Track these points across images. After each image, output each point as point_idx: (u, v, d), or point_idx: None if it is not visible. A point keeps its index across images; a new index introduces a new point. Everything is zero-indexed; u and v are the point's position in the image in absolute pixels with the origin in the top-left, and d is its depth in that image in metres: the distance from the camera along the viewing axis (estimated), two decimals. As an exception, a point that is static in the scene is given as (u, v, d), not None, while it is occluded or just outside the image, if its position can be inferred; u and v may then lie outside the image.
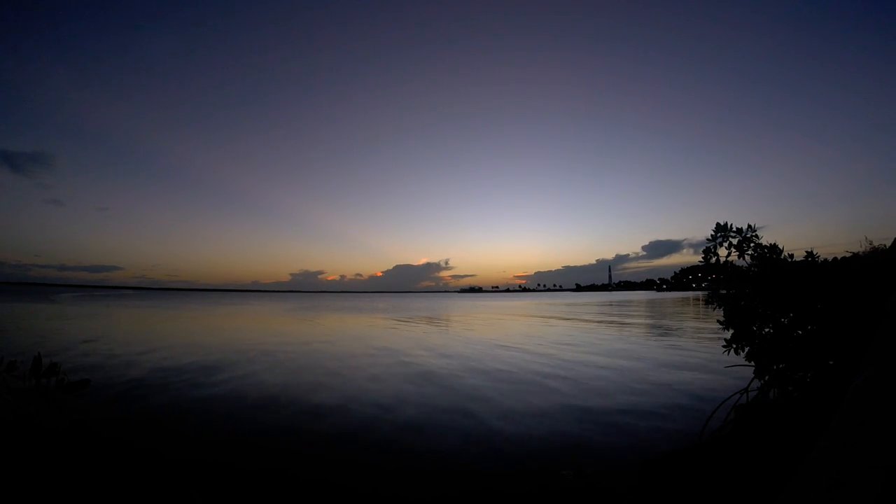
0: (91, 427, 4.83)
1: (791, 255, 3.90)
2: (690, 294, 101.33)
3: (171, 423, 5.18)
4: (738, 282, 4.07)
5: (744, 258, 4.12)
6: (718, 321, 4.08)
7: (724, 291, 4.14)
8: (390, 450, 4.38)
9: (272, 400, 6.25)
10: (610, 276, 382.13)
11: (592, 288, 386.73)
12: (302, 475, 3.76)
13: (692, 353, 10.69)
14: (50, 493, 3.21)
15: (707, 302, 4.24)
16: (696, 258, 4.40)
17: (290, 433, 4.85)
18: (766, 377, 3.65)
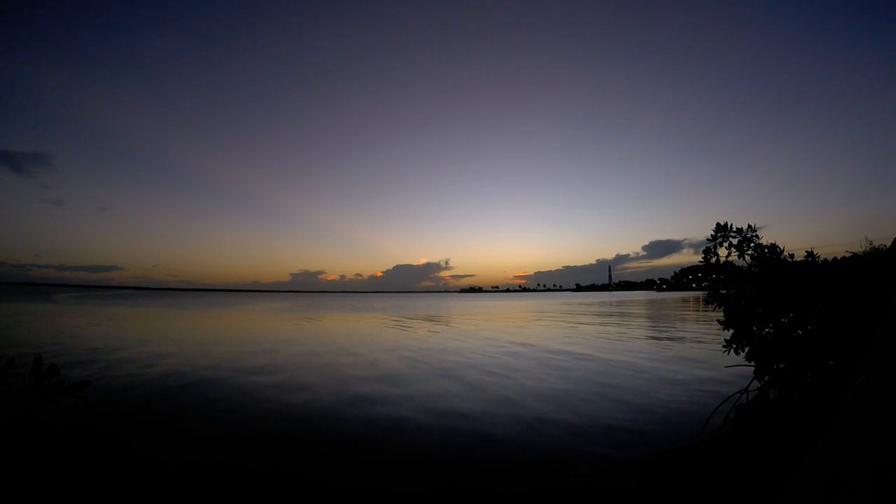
0: (92, 427, 4.84)
1: (791, 255, 3.91)
2: (690, 294, 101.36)
3: (172, 423, 5.17)
4: (738, 282, 4.08)
5: (744, 258, 4.13)
6: (718, 321, 4.09)
7: (724, 291, 4.14)
8: (362, 442, 4.39)
9: (277, 401, 6.25)
10: (610, 276, 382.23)
11: (592, 288, 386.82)
12: (307, 476, 3.76)
13: (691, 353, 10.69)
14: (50, 494, 3.21)
15: (707, 302, 4.25)
16: (696, 258, 4.41)
17: (302, 434, 4.84)
18: (766, 377, 3.65)
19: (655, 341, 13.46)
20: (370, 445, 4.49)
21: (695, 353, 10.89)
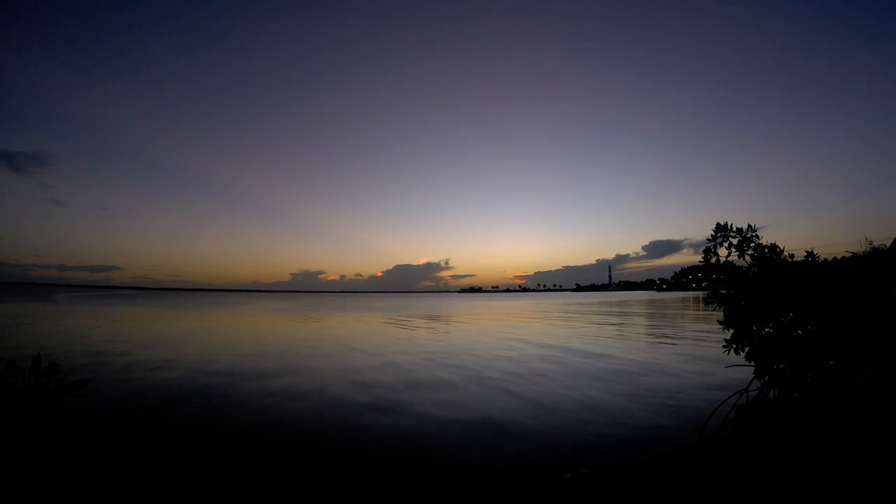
0: (91, 426, 4.83)
1: (791, 255, 3.90)
2: (690, 294, 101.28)
3: (172, 423, 5.16)
4: (738, 282, 4.07)
5: (744, 258, 4.12)
6: (718, 321, 4.08)
7: (724, 291, 4.14)
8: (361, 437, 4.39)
9: (286, 404, 6.23)
10: (610, 276, 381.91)
11: (592, 288, 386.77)
12: (321, 477, 3.76)
13: (697, 351, 10.69)
14: (50, 493, 3.21)
15: (707, 302, 4.25)
16: (696, 258, 4.41)
17: (318, 437, 4.79)
18: (766, 377, 3.65)
19: (661, 340, 13.46)
20: (378, 447, 4.48)
21: (700, 351, 10.92)
